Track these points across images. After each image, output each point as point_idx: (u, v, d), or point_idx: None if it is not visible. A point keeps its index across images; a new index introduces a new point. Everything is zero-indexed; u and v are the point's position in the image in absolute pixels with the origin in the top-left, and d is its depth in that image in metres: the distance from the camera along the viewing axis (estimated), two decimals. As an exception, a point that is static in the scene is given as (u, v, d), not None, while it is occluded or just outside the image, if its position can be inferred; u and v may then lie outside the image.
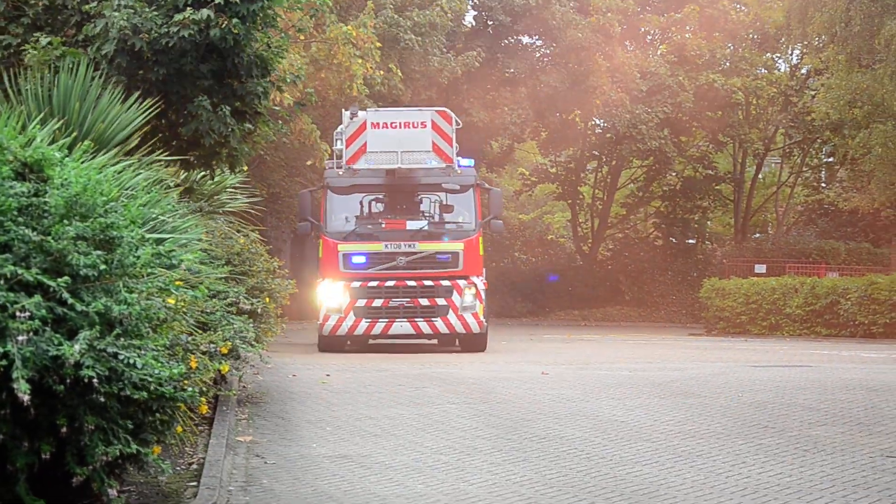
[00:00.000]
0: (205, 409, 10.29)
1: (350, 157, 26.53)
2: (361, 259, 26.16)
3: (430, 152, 26.63)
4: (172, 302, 8.68)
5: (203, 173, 17.01)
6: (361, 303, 26.02)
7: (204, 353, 9.83)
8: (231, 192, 18.96)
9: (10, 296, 7.39)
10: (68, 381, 7.42)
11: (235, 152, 16.11)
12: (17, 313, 7.32)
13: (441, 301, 26.12)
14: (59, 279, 7.57)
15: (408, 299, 26.10)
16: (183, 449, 11.10)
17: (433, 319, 26.17)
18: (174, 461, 10.73)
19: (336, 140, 27.68)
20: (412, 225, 26.70)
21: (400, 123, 26.72)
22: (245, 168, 17.13)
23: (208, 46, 14.63)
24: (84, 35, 14.69)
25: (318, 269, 27.80)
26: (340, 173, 26.77)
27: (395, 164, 26.38)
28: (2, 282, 7.45)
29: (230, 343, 11.61)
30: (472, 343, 27.04)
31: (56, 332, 7.44)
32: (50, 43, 14.18)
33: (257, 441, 12.74)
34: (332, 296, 26.09)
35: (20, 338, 7.24)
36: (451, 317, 26.06)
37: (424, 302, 26.15)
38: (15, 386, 7.10)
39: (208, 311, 11.05)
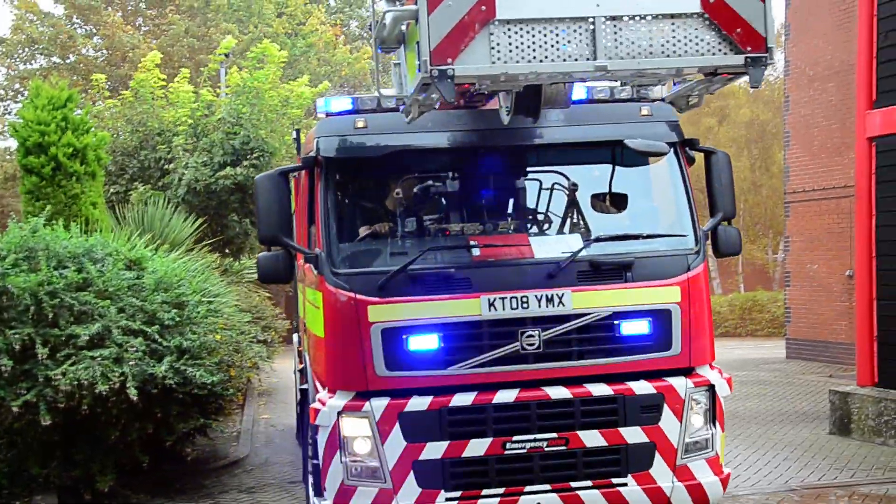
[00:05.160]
0: (240, 398, 10.24)
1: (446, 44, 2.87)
2: (431, 342, 3.49)
3: (702, 17, 2.87)
4: (219, 338, 8.71)
5: (232, 259, 16.98)
6: (435, 452, 3.51)
7: (238, 366, 9.81)
8: (249, 269, 18.71)
9: (125, 338, 7.44)
10: (159, 386, 7.45)
11: (252, 247, 16.20)
12: (129, 348, 7.38)
13: (634, 436, 3.62)
14: (152, 327, 7.59)
15: (553, 435, 3.62)
16: (227, 423, 11.04)
17: (617, 482, 3.60)
18: (222, 431, 10.68)
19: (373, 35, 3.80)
20: (543, 247, 3.60)
21: None
22: (257, 255, 17.01)
23: (237, 186, 14.79)
24: (163, 183, 14.74)
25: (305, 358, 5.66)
26: (360, 124, 3.87)
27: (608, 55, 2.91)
28: (120, 330, 7.49)
29: (253, 360, 11.54)
30: None
31: (151, 358, 7.45)
32: (143, 189, 14.24)
33: (271, 417, 12.67)
34: (354, 437, 3.49)
35: (131, 363, 7.29)
36: (660, 472, 3.55)
37: (592, 440, 3.69)
38: (128, 391, 7.16)
39: (239, 342, 10.96)
